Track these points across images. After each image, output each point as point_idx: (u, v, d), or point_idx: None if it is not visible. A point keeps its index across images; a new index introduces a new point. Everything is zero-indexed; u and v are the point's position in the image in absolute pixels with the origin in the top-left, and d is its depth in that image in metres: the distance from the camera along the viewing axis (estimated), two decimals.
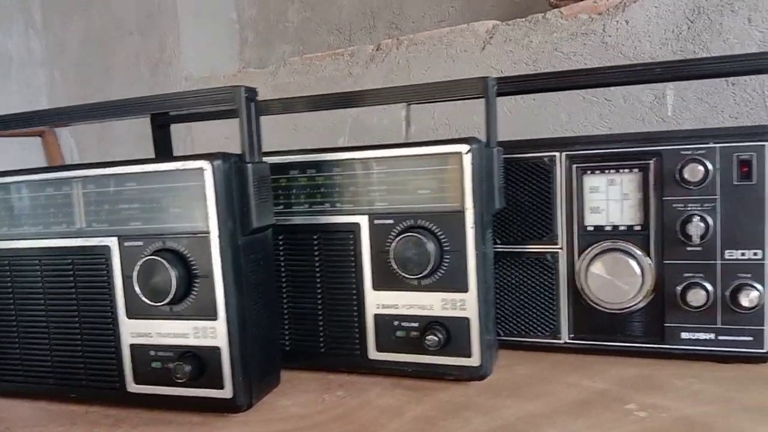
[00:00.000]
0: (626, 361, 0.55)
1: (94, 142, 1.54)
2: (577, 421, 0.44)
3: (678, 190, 0.53)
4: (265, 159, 0.50)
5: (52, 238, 0.52)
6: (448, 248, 0.51)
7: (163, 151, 0.69)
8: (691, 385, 0.49)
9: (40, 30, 1.61)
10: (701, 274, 0.53)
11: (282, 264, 0.57)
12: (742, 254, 0.52)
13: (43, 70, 1.61)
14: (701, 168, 0.51)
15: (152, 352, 0.49)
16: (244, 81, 1.26)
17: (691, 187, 0.52)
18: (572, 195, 0.56)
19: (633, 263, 0.54)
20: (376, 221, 0.53)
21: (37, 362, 0.53)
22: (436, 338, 0.51)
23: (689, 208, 0.53)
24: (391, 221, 0.52)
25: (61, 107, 0.57)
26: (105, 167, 0.49)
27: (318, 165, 0.55)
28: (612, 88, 0.86)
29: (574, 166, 0.56)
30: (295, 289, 0.57)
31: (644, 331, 0.55)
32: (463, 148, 0.50)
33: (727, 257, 0.52)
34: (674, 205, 0.53)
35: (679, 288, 0.53)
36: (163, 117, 0.69)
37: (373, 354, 0.54)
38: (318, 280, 0.56)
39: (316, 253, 0.55)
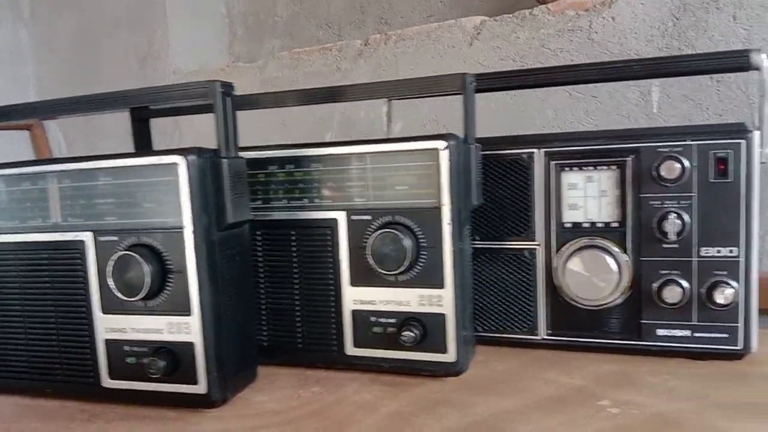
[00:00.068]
0: (604, 357, 0.55)
1: (82, 135, 1.54)
2: (551, 417, 0.44)
3: (655, 187, 0.53)
4: (242, 154, 0.50)
5: (27, 233, 0.51)
6: (425, 244, 0.51)
7: (143, 145, 0.69)
8: (666, 382, 0.49)
9: (28, 22, 1.61)
10: (677, 271, 0.53)
11: (260, 259, 0.57)
12: (718, 251, 0.52)
13: (31, 63, 1.60)
14: (678, 165, 0.51)
15: (127, 348, 0.49)
16: (233, 75, 1.26)
17: (668, 184, 0.52)
18: (550, 192, 0.56)
19: (610, 260, 0.54)
20: (353, 217, 0.53)
21: (13, 357, 0.53)
22: (413, 334, 0.51)
23: (666, 206, 0.53)
24: (368, 217, 0.52)
25: (40, 101, 0.56)
26: (80, 161, 0.49)
27: (296, 160, 0.54)
28: (598, 85, 0.86)
29: (553, 162, 0.56)
30: (273, 284, 0.56)
31: (621, 328, 0.55)
32: (441, 144, 0.50)
33: (703, 254, 0.52)
34: (651, 203, 0.53)
35: (655, 285, 0.53)
36: (143, 111, 0.69)
37: (351, 350, 0.54)
38: (296, 275, 0.56)
39: (294, 248, 0.55)
